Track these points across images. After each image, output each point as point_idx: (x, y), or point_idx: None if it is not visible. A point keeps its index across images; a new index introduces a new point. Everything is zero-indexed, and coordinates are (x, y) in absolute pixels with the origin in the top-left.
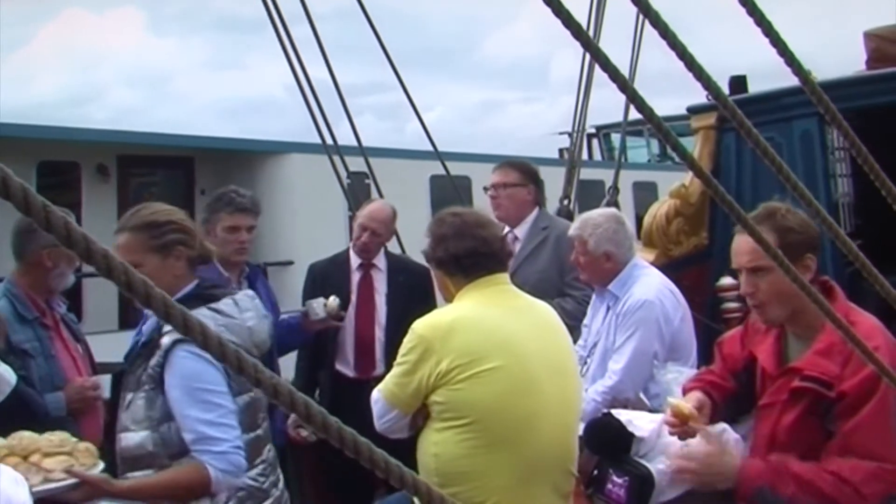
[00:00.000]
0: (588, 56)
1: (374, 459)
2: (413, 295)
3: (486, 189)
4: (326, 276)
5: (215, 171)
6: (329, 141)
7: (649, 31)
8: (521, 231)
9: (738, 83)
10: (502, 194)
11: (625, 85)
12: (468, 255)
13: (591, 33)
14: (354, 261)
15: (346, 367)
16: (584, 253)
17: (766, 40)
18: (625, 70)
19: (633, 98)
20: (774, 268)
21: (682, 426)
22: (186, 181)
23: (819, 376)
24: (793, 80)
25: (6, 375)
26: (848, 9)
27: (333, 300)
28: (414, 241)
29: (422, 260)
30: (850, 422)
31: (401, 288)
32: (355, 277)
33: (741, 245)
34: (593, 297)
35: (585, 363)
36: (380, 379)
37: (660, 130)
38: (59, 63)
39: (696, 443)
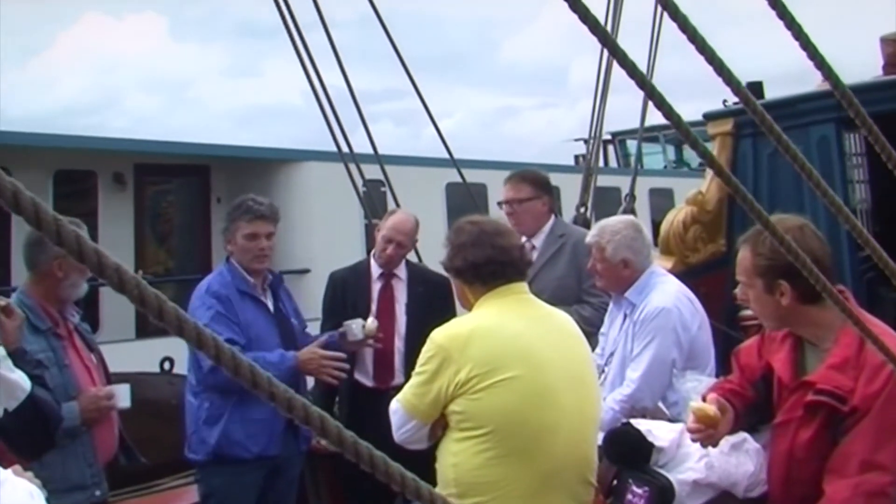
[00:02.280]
0: (604, 62)
1: (389, 473)
2: (433, 305)
3: (500, 204)
4: (347, 285)
5: (231, 179)
6: (345, 149)
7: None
8: (537, 240)
9: (755, 89)
10: (518, 210)
11: (643, 81)
12: (486, 263)
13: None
14: (375, 270)
15: (364, 377)
16: (602, 260)
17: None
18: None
19: (652, 95)
20: (752, 286)
21: (707, 430)
22: (202, 189)
23: (833, 390)
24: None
25: (21, 381)
26: (865, 13)
27: (372, 322)
28: (430, 248)
29: (438, 268)
30: (851, 432)
31: (421, 298)
32: (376, 287)
33: (739, 255)
34: (610, 305)
35: (603, 372)
36: (398, 389)
37: (679, 128)
38: (77, 69)
39: (716, 453)
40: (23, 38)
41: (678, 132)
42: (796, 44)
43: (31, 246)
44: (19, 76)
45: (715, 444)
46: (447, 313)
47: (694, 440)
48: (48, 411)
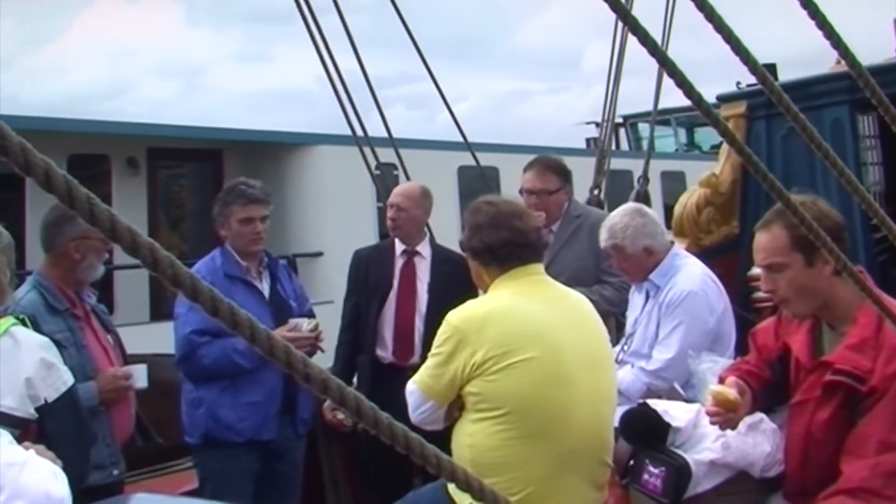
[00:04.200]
0: (618, 43)
1: (410, 445)
2: (456, 286)
3: (523, 192)
4: (370, 263)
5: (244, 163)
6: (359, 132)
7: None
8: (554, 224)
9: (768, 71)
10: (547, 201)
11: (664, 59)
12: (503, 245)
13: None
14: (398, 248)
15: (384, 352)
16: (626, 258)
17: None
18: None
19: (673, 73)
20: (790, 264)
21: (726, 414)
22: (215, 173)
23: (851, 370)
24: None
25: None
26: None
27: (308, 324)
28: (442, 230)
29: (454, 248)
30: (869, 413)
31: (444, 278)
32: (398, 264)
33: (758, 242)
34: (632, 287)
35: (621, 352)
36: (417, 367)
37: (699, 106)
38: (92, 55)
39: (733, 433)
40: (38, 23)
41: (699, 110)
42: (810, 25)
43: (47, 228)
44: (35, 61)
45: (733, 428)
46: (471, 293)
47: (712, 423)
48: (83, 416)
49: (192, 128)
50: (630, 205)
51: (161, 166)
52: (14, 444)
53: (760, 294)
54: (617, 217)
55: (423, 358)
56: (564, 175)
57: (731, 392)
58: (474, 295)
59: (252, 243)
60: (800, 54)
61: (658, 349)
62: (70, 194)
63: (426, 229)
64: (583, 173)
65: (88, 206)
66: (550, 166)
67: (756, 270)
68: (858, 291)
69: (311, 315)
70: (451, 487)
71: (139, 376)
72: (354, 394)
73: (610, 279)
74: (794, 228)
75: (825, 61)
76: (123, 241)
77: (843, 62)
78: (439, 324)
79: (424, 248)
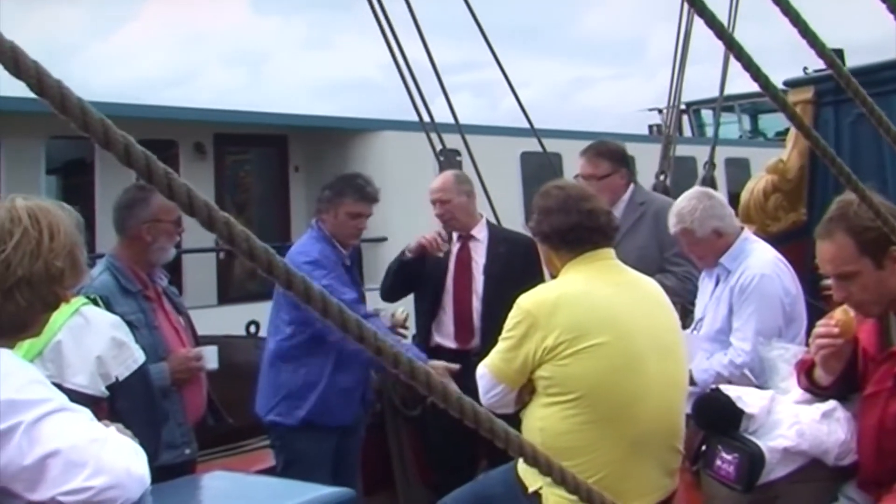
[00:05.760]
0: (683, 28)
1: (479, 420)
2: (513, 265)
3: (577, 177)
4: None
5: (308, 148)
6: (426, 118)
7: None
8: (617, 210)
9: (836, 56)
10: (595, 186)
11: (732, 43)
12: (573, 229)
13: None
14: (454, 234)
15: (446, 339)
16: (695, 242)
17: (862, 16)
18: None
19: (740, 57)
20: (861, 271)
21: (838, 337)
22: (280, 159)
23: None
24: (884, 57)
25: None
26: None
27: (401, 312)
28: (506, 216)
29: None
30: None
31: (501, 259)
32: (454, 249)
33: (823, 252)
34: (702, 273)
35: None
36: (479, 350)
37: (767, 91)
38: (161, 42)
39: (808, 420)
40: (108, 10)
41: (766, 95)
42: (877, 12)
43: (120, 210)
44: (104, 48)
45: (829, 369)
46: (529, 273)
47: (822, 344)
48: (154, 394)
49: (258, 114)
50: (696, 188)
51: (227, 152)
52: (94, 420)
53: (828, 282)
54: (684, 201)
55: (483, 340)
56: (618, 159)
57: (853, 323)
58: (534, 274)
59: (352, 237)
60: (865, 42)
61: (737, 338)
62: (149, 169)
63: (481, 212)
64: (647, 160)
65: (167, 180)
66: (602, 152)
67: None
68: None
69: None
70: (521, 470)
71: (210, 357)
72: (424, 368)
73: (673, 268)
74: (857, 234)
75: (890, 48)
76: (200, 215)
77: None
78: (498, 303)
79: (480, 232)
